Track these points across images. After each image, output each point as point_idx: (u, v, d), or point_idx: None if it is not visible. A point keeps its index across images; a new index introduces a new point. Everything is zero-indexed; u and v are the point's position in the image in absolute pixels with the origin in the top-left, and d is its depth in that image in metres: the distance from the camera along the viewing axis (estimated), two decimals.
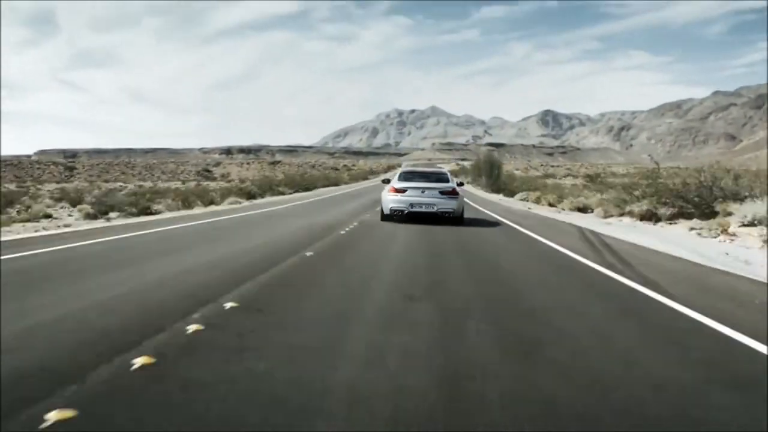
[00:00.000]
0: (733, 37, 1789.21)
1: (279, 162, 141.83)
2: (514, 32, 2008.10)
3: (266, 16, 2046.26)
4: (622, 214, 20.50)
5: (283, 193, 30.48)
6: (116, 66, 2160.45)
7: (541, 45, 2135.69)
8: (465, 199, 15.24)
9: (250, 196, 27.11)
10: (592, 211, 23.60)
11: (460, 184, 15.76)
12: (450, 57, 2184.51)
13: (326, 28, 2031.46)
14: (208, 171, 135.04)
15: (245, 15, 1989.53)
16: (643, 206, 19.60)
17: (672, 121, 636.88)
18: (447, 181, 14.55)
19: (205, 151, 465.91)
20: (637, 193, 21.35)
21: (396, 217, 13.66)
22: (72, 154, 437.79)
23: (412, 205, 13.51)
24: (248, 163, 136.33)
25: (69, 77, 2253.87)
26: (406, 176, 14.68)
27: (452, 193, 13.90)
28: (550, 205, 25.45)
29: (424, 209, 13.46)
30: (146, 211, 20.42)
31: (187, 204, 24.26)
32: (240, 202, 22.24)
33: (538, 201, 27.08)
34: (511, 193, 33.42)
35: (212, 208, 20.92)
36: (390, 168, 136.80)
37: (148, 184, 66.80)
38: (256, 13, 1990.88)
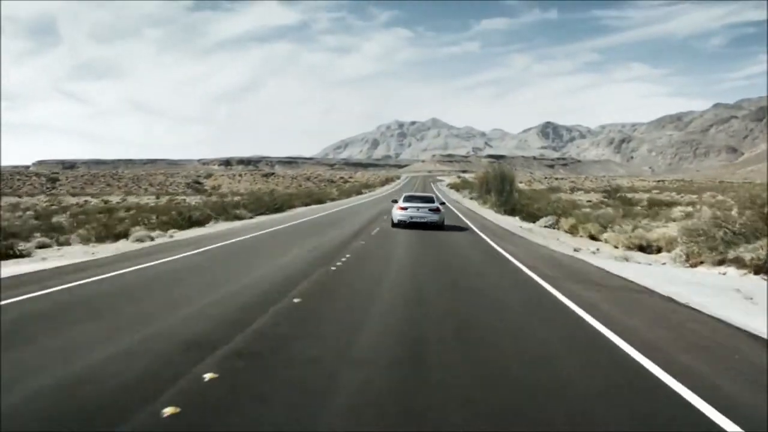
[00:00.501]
0: (732, 49, 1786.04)
1: (273, 174, 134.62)
2: (515, 44, 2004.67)
3: (267, 28, 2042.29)
4: (721, 262, 13.37)
5: (240, 218, 23.36)
6: (117, 77, 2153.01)
7: (541, 57, 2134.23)
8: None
9: (192, 222, 20.09)
10: (659, 251, 16.48)
11: (442, 203, 24.06)
12: (451, 69, 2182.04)
13: (327, 40, 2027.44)
14: (198, 183, 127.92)
15: (246, 26, 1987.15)
16: (761, 251, 12.53)
17: (672, 133, 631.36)
18: (434, 202, 21.61)
19: (204, 162, 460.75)
20: (735, 228, 14.27)
21: (401, 225, 19.68)
22: (70, 165, 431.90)
23: (411, 217, 19.78)
24: (240, 175, 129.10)
25: (70, 88, 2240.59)
26: (408, 199, 21.33)
27: (437, 210, 20.46)
28: (592, 238, 18.40)
29: (418, 220, 19.69)
30: (8, 254, 13.85)
31: (103, 236, 17.46)
32: (152, 238, 15.17)
33: (572, 232, 19.91)
34: (530, 217, 26.15)
35: (117, 246, 14.04)
36: (388, 180, 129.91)
37: (116, 198, 59.80)
38: (257, 25, 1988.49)
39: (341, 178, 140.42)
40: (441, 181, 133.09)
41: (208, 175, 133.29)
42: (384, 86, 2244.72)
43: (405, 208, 20.10)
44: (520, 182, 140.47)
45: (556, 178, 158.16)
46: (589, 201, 53.34)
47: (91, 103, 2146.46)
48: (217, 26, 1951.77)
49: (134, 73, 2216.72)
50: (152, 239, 14.95)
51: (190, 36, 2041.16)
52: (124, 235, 17.78)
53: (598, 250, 15.79)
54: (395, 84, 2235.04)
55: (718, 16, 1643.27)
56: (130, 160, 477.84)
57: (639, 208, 41.18)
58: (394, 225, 19.83)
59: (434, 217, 19.93)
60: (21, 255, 14.15)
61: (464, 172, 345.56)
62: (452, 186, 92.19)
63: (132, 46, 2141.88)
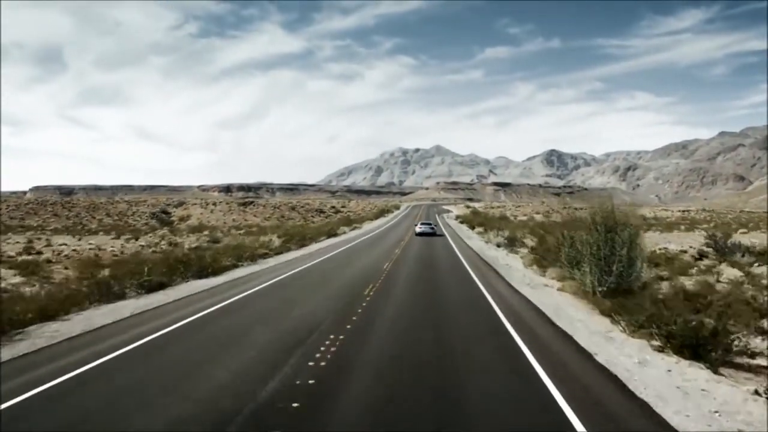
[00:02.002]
0: (736, 78, 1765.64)
1: (252, 203, 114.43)
2: (518, 72, 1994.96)
3: (272, 56, 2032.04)
4: None
5: None
6: (122, 103, 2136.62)
7: (545, 85, 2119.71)
8: None
9: None
10: None
11: (435, 225, 53.87)
12: (454, 96, 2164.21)
13: (331, 67, 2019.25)
14: (166, 213, 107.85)
15: (252, 53, 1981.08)
16: None
17: (679, 161, 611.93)
18: (432, 224, 49.60)
19: (204, 189, 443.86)
20: None
21: (417, 236, 42.59)
22: (68, 191, 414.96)
23: (423, 231, 44.32)
24: (215, 204, 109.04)
25: (74, 114, 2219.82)
26: (421, 224, 47.47)
27: (433, 228, 47.46)
28: None
29: (425, 231, 44.29)
30: None
31: None
32: None
33: None
34: None
35: None
36: (384, 210, 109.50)
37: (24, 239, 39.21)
38: (262, 52, 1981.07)
39: (332, 207, 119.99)
40: (448, 211, 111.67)
41: (179, 204, 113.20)
42: (388, 114, 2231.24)
43: (420, 227, 45.12)
44: (537, 213, 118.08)
45: (576, 208, 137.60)
46: (684, 251, 32.60)
47: (94, 129, 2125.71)
48: (222, 54, 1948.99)
49: (138, 100, 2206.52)
50: None
51: (195, 63, 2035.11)
52: None
53: None
54: (399, 111, 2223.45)
55: (720, 46, 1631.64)
56: (129, 186, 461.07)
57: None
58: (416, 235, 43.22)
59: (432, 231, 45.04)
60: None
61: (470, 200, 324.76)
62: (463, 220, 70.81)
63: (137, 73, 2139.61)
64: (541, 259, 22.90)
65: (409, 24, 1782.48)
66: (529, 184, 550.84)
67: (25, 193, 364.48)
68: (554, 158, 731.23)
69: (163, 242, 39.10)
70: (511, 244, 36.17)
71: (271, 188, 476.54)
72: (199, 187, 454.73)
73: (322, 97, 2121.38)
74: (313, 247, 32.42)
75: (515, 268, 22.51)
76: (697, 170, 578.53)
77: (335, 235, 43.75)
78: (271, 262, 23.73)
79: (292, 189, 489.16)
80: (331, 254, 27.01)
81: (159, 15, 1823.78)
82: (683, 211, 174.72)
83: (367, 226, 62.90)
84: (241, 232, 62.51)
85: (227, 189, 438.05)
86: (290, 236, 33.46)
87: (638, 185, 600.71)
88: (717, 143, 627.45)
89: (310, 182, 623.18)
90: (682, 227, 64.87)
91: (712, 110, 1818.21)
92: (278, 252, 27.34)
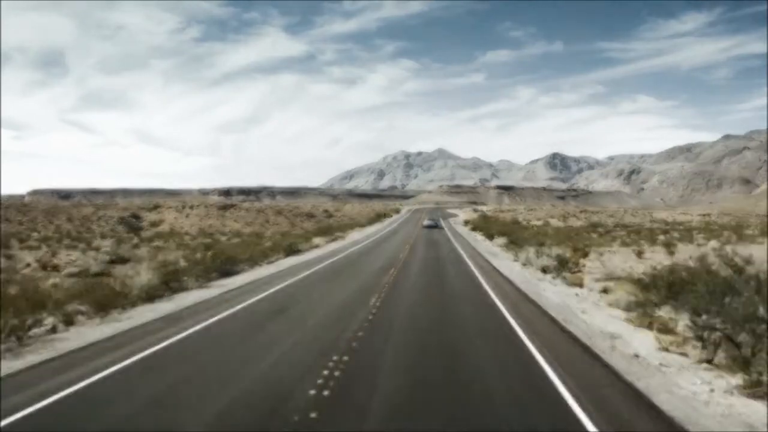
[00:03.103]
0: (739, 81, 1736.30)
1: (233, 206, 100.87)
2: (520, 76, 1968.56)
3: (274, 59, 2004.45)
4: None
5: None
6: (123, 107, 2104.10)
7: (547, 89, 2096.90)
8: None
9: None
10: None
11: (438, 220, 73.71)
12: (457, 100, 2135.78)
13: (333, 71, 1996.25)
14: (136, 218, 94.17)
15: (254, 57, 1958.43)
16: None
17: (683, 164, 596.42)
18: (437, 220, 72.38)
19: (204, 192, 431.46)
20: None
21: (425, 228, 57.96)
22: (66, 194, 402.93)
23: (429, 225, 60.91)
24: (191, 208, 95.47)
25: (76, 118, 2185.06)
26: (428, 219, 69.16)
27: (437, 222, 68.51)
28: None
29: (431, 225, 60.65)
30: None
31: None
32: None
33: None
34: None
35: None
36: (381, 215, 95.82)
37: None
38: (264, 56, 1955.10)
39: (325, 211, 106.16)
40: (454, 215, 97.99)
41: (154, 207, 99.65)
42: (390, 117, 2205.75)
43: (427, 222, 63.72)
44: (552, 217, 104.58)
45: (593, 212, 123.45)
46: None
47: (95, 133, 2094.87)
48: (224, 57, 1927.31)
49: (140, 104, 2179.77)
50: None
51: (197, 67, 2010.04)
52: None
53: None
54: (401, 115, 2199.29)
55: (723, 49, 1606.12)
56: (128, 190, 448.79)
57: None
58: (423, 228, 57.60)
59: (435, 225, 60.72)
60: None
61: (474, 203, 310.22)
62: (474, 226, 57.45)
63: (139, 77, 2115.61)
64: (709, 332, 8.98)
65: (411, 27, 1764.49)
66: (532, 188, 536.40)
67: (23, 196, 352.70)
68: (557, 161, 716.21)
69: (34, 264, 25.39)
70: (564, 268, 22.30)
71: (272, 192, 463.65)
72: (199, 190, 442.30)
73: (325, 101, 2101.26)
74: (243, 277, 18.50)
75: (647, 355, 8.56)
76: (702, 173, 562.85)
77: (298, 252, 29.76)
78: (99, 331, 9.87)
79: (293, 192, 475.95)
80: (247, 303, 12.90)
81: (161, 19, 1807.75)
82: (703, 215, 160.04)
83: (355, 235, 48.66)
84: (209, 240, 50.20)
85: (227, 192, 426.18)
86: (218, 254, 19.48)
87: (642, 188, 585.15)
88: (722, 146, 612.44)
89: (312, 186, 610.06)
90: (730, 234, 50.81)
91: (715, 113, 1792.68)
92: (152, 296, 13.50)
